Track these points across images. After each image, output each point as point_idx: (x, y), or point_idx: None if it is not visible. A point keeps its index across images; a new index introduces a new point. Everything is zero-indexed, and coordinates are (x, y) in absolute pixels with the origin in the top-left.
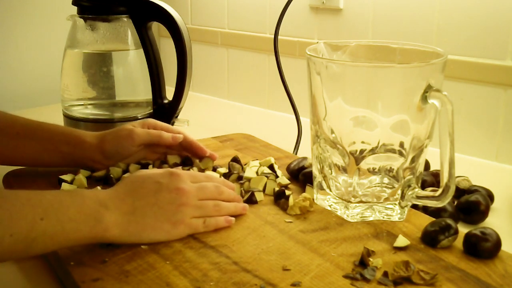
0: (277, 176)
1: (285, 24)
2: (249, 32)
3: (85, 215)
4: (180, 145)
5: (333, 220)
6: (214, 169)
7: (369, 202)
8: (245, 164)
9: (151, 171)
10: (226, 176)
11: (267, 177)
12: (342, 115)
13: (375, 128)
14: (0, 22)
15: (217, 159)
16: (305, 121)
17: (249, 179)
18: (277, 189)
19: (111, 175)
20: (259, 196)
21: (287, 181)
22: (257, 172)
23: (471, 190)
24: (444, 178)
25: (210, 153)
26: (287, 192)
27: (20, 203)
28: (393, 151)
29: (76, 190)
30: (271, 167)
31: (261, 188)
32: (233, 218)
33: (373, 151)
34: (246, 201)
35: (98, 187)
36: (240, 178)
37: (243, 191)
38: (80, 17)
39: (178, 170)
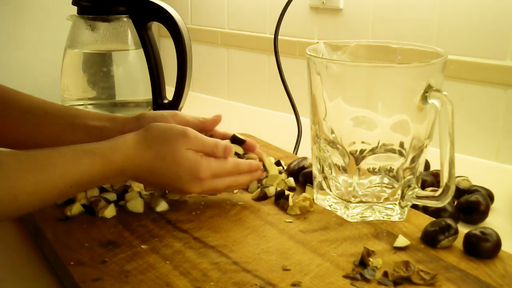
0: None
1: (285, 24)
2: (249, 32)
3: (109, 179)
4: None
5: (333, 220)
6: None
7: (369, 202)
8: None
9: (181, 157)
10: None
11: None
12: (342, 115)
13: (375, 128)
14: (0, 22)
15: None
16: (305, 121)
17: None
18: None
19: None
20: (270, 192)
21: (293, 184)
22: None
23: (471, 190)
24: (444, 178)
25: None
26: (287, 192)
27: (57, 172)
28: (393, 151)
29: (100, 156)
30: (278, 163)
31: (275, 185)
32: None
33: (373, 151)
34: (258, 198)
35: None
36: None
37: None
38: (80, 17)
39: (204, 166)
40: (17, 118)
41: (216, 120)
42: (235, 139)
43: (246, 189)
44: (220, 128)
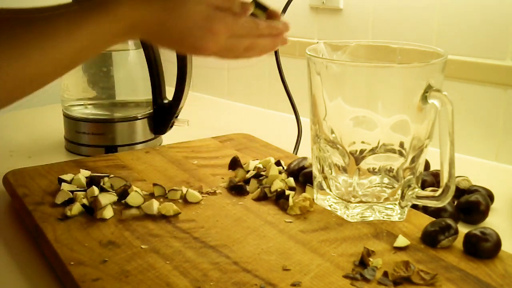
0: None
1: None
2: None
3: (117, 37)
4: None
5: (333, 220)
6: None
7: (369, 202)
8: (244, 164)
9: (191, 8)
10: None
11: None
12: (342, 115)
13: (375, 128)
14: None
15: (219, 157)
16: (305, 121)
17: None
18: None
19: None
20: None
21: (293, 184)
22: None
23: (471, 190)
24: (444, 178)
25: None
26: (287, 192)
27: (62, 40)
28: (393, 151)
29: (106, 12)
30: (278, 163)
31: (275, 185)
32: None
33: (373, 151)
34: (258, 198)
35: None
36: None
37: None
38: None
39: (218, 18)
40: None
41: None
42: (257, 3)
43: (247, 191)
44: (220, 128)
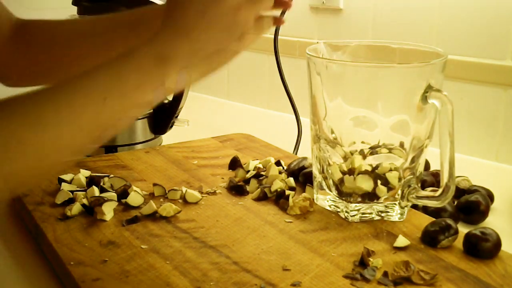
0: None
1: (285, 24)
2: None
3: (147, 79)
4: None
5: (333, 220)
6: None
7: (369, 202)
8: (244, 164)
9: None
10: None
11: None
12: (342, 115)
13: (375, 128)
14: None
15: (219, 157)
16: (305, 121)
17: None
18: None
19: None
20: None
21: (293, 184)
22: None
23: (471, 190)
24: (444, 178)
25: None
26: (287, 192)
27: (79, 96)
28: (393, 151)
29: (128, 52)
30: (278, 163)
31: (275, 185)
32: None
33: (373, 151)
34: (258, 198)
35: None
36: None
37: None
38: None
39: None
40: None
41: None
42: None
43: (247, 191)
44: (220, 128)
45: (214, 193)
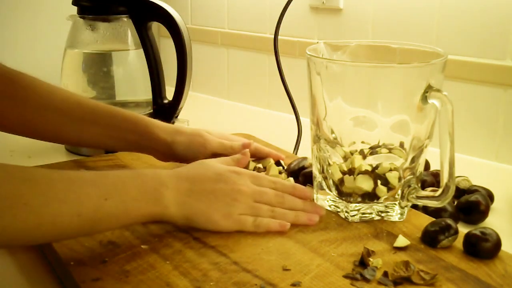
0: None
1: (285, 24)
2: (249, 32)
3: (147, 194)
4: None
5: (333, 220)
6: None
7: (369, 202)
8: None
9: (217, 163)
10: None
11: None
12: (342, 115)
13: (375, 128)
14: (0, 22)
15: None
16: (305, 121)
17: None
18: None
19: None
20: None
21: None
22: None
23: (471, 190)
24: (444, 178)
25: (278, 155)
26: None
27: (86, 184)
28: (393, 151)
29: (138, 170)
30: (278, 163)
31: None
32: (288, 224)
33: (373, 151)
34: None
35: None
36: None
37: None
38: (80, 17)
39: (243, 169)
40: (54, 117)
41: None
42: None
43: None
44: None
45: None
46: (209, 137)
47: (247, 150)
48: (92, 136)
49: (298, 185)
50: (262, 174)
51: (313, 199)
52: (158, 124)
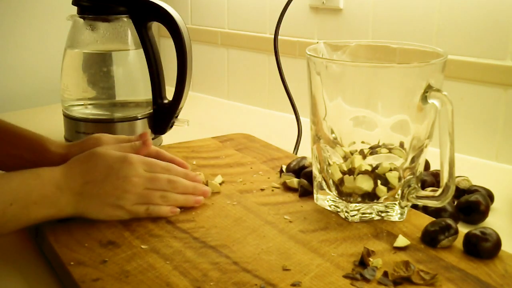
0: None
1: (285, 24)
2: (249, 32)
3: (45, 198)
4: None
5: (333, 220)
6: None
7: (369, 202)
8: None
9: (109, 152)
10: None
11: None
12: (342, 115)
13: (375, 128)
14: (0, 22)
15: (219, 157)
16: (305, 121)
17: None
18: None
19: None
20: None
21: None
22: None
23: (471, 190)
24: (444, 178)
25: (181, 162)
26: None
27: None
28: (393, 151)
29: (38, 171)
30: None
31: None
32: (178, 209)
33: (373, 151)
34: None
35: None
36: None
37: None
38: (80, 17)
39: (135, 156)
40: None
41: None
42: None
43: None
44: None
45: (217, 193)
46: (104, 136)
47: (149, 138)
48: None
49: (190, 171)
50: (155, 160)
51: (205, 183)
52: (55, 142)
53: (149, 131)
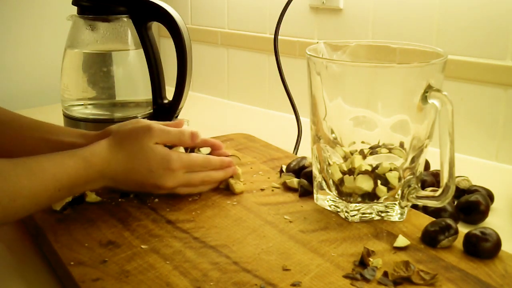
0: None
1: (285, 24)
2: (249, 32)
3: (89, 182)
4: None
5: (333, 220)
6: None
7: (369, 202)
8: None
9: (155, 150)
10: None
11: None
12: (342, 115)
13: (375, 128)
14: (0, 22)
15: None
16: (305, 121)
17: None
18: None
19: None
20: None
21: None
22: None
23: (471, 190)
24: (444, 178)
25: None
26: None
27: (46, 176)
28: (393, 151)
29: (83, 154)
30: None
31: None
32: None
33: (373, 151)
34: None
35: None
36: None
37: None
38: (80, 17)
39: (177, 162)
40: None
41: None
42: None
43: (227, 187)
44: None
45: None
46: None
47: (199, 136)
48: (28, 142)
49: (225, 158)
50: (195, 159)
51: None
52: (92, 131)
53: None
